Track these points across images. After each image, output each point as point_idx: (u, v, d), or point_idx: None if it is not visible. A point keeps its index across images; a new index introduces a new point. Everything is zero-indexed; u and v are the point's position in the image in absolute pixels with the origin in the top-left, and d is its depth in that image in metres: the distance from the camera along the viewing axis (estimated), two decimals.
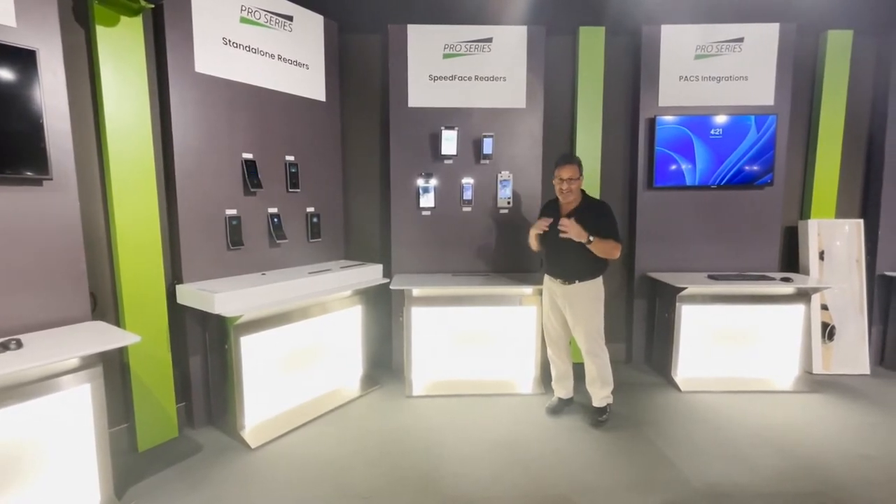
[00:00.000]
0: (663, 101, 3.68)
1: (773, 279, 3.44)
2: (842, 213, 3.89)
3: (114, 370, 2.51)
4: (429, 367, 3.42)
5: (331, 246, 3.58)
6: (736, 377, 3.48)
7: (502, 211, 3.63)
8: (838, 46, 3.69)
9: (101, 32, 2.31)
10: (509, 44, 3.52)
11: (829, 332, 3.72)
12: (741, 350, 3.49)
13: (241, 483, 2.32)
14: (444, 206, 3.62)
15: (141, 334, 2.07)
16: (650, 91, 3.68)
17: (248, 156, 2.96)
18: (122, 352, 2.52)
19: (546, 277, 2.99)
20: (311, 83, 3.34)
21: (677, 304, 3.41)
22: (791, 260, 3.95)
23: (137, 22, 2.44)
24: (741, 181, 3.67)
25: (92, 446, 2.04)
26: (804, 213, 3.93)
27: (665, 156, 3.65)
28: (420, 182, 3.57)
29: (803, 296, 3.44)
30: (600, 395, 2.90)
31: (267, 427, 2.79)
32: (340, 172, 3.66)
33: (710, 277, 3.49)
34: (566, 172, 2.74)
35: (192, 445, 2.65)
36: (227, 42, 2.81)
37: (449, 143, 3.48)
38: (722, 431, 2.80)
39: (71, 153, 2.13)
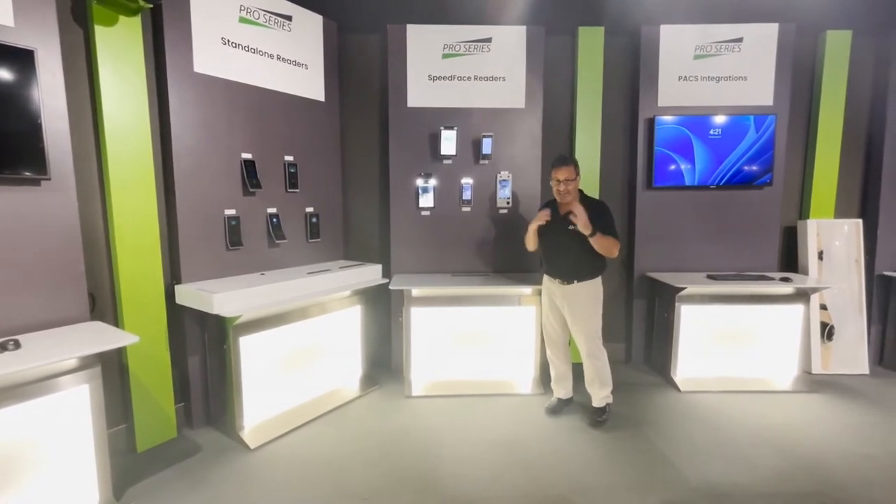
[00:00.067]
0: (662, 101, 3.68)
1: (772, 279, 3.44)
2: (841, 213, 3.89)
3: (112, 371, 2.51)
4: (428, 367, 3.42)
5: (330, 246, 3.58)
6: (735, 377, 3.48)
7: (501, 211, 3.63)
8: (837, 47, 3.69)
9: (100, 32, 2.31)
10: (508, 44, 3.52)
11: (828, 331, 3.72)
12: (740, 350, 3.49)
13: (241, 483, 2.32)
14: (444, 206, 3.62)
15: (140, 335, 2.06)
16: (649, 91, 3.68)
17: (248, 156, 2.96)
18: (120, 352, 2.51)
19: (545, 278, 2.99)
20: (310, 83, 3.34)
21: (676, 304, 3.41)
22: (790, 260, 3.96)
23: (136, 22, 2.43)
24: (740, 181, 3.67)
25: (90, 447, 2.03)
26: (803, 213, 3.93)
27: (664, 156, 3.65)
28: (419, 182, 3.57)
29: (802, 296, 3.45)
30: (599, 395, 2.90)
31: (266, 427, 2.79)
32: (340, 172, 3.66)
33: (710, 277, 3.50)
34: (563, 174, 2.74)
35: (191, 446, 2.65)
36: (225, 42, 2.81)
37: (448, 143, 3.48)
38: (721, 431, 2.80)
39: (69, 153, 2.13)
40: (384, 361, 3.79)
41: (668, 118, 3.62)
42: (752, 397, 3.24)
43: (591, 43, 3.66)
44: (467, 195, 3.60)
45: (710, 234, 3.78)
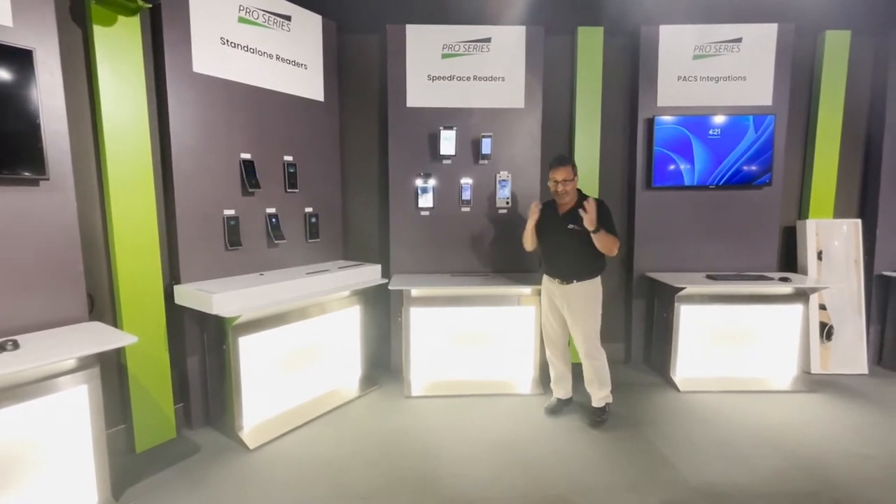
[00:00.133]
0: (662, 101, 3.68)
1: (771, 279, 3.44)
2: (840, 213, 3.90)
3: (111, 371, 2.51)
4: (427, 367, 3.41)
5: (329, 246, 3.58)
6: (734, 377, 3.48)
7: (501, 211, 3.63)
8: (836, 47, 3.70)
9: (99, 32, 2.31)
10: (508, 44, 3.52)
11: (827, 331, 3.72)
12: (740, 350, 3.49)
13: (240, 484, 2.32)
14: (443, 206, 3.62)
15: (138, 335, 2.06)
16: (649, 91, 3.68)
17: (247, 156, 2.96)
18: (119, 352, 2.51)
19: (545, 278, 2.99)
20: (309, 83, 3.34)
21: (676, 304, 3.41)
22: (789, 260, 3.96)
23: (135, 21, 2.43)
24: (739, 181, 3.67)
25: (89, 447, 2.03)
26: (802, 213, 3.93)
27: (663, 156, 3.65)
28: (419, 182, 3.57)
29: (801, 296, 3.45)
30: (599, 395, 2.91)
31: (265, 428, 2.78)
32: (339, 172, 3.66)
33: (709, 277, 3.50)
34: (560, 174, 2.75)
35: (190, 446, 2.65)
36: (225, 42, 2.81)
37: (448, 143, 3.48)
38: (720, 431, 2.80)
39: (68, 153, 2.13)
40: (383, 362, 3.79)
41: (667, 118, 3.62)
42: (751, 397, 3.24)
43: (590, 43, 3.66)
44: (467, 195, 3.60)
45: (709, 234, 3.78)
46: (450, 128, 3.47)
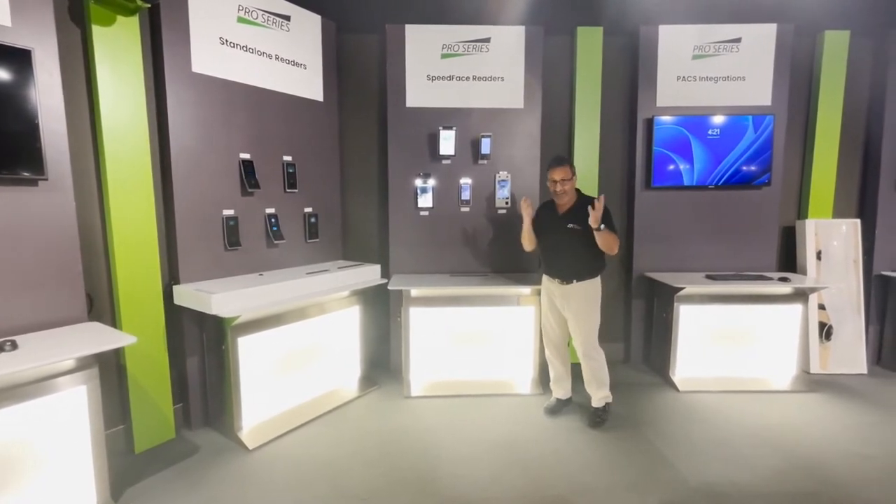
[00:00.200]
0: (661, 101, 3.68)
1: (770, 279, 3.45)
2: (839, 213, 3.90)
3: (110, 371, 2.50)
4: (427, 367, 3.41)
5: (329, 246, 3.58)
6: (734, 377, 3.48)
7: (500, 211, 3.63)
8: (835, 47, 3.70)
9: (98, 32, 2.30)
10: (507, 44, 3.52)
11: (826, 331, 3.72)
12: (739, 350, 3.49)
13: (239, 484, 2.31)
14: (443, 206, 3.62)
15: (137, 335, 2.06)
16: (648, 91, 3.68)
17: (246, 156, 2.96)
18: (118, 353, 2.51)
19: (544, 278, 2.98)
20: (308, 83, 3.34)
21: (675, 303, 3.41)
22: (789, 260, 3.96)
23: (134, 21, 2.43)
24: (739, 181, 3.67)
25: (88, 448, 2.03)
26: (801, 213, 3.94)
27: (663, 156, 3.65)
28: (418, 182, 3.57)
29: (801, 295, 3.45)
30: (598, 395, 2.91)
31: (264, 428, 2.78)
32: (338, 173, 3.66)
33: (708, 277, 3.50)
34: (558, 174, 2.75)
35: (189, 447, 2.64)
36: (224, 42, 2.80)
37: (447, 143, 3.47)
38: (720, 431, 2.80)
39: (67, 153, 2.13)
40: (383, 362, 3.79)
41: (666, 118, 3.62)
42: (750, 397, 3.25)
43: (589, 43, 3.66)
44: (466, 195, 3.59)
45: (708, 234, 3.78)
46: (449, 128, 3.47)
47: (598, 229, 2.61)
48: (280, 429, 2.79)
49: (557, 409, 3.04)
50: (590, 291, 2.83)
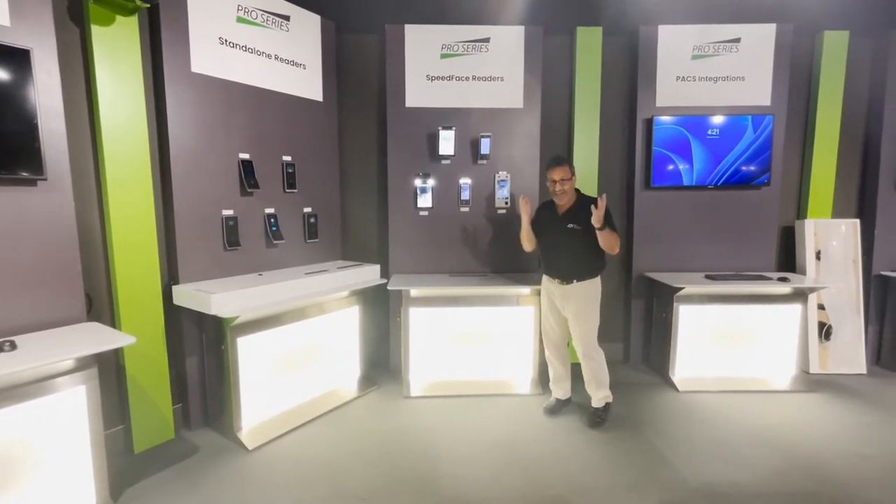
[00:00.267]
0: (660, 101, 3.68)
1: (770, 279, 3.45)
2: (838, 213, 3.90)
3: (109, 372, 2.50)
4: (426, 367, 3.41)
5: (328, 246, 3.57)
6: (733, 377, 3.48)
7: (500, 211, 3.63)
8: (834, 47, 3.70)
9: (97, 32, 2.30)
10: (507, 44, 3.52)
11: (825, 331, 3.73)
12: (738, 350, 3.49)
13: (238, 484, 2.31)
14: (442, 206, 3.62)
15: (137, 335, 2.06)
16: (647, 91, 3.68)
17: (245, 156, 2.95)
18: (117, 353, 2.50)
19: (544, 278, 2.98)
20: (308, 83, 3.33)
21: (675, 303, 3.41)
22: (788, 260, 3.97)
23: (133, 21, 2.43)
24: (738, 181, 3.67)
25: (87, 448, 2.03)
26: (801, 213, 3.94)
27: (662, 156, 3.65)
28: (417, 182, 3.57)
29: (800, 295, 3.45)
30: (598, 395, 2.90)
31: (264, 428, 2.78)
32: (338, 173, 3.66)
33: (708, 277, 3.50)
34: (557, 174, 2.75)
35: (188, 447, 2.64)
36: (223, 42, 2.80)
37: (446, 143, 3.47)
38: (719, 431, 2.80)
39: (66, 153, 2.12)
40: (382, 362, 3.79)
41: (666, 118, 3.62)
42: (750, 397, 3.25)
43: (589, 43, 3.66)
44: (465, 195, 3.59)
45: (708, 234, 3.78)
46: (449, 128, 3.46)
47: (601, 229, 2.61)
48: (279, 429, 2.79)
49: (557, 409, 3.04)
50: (590, 291, 2.83)
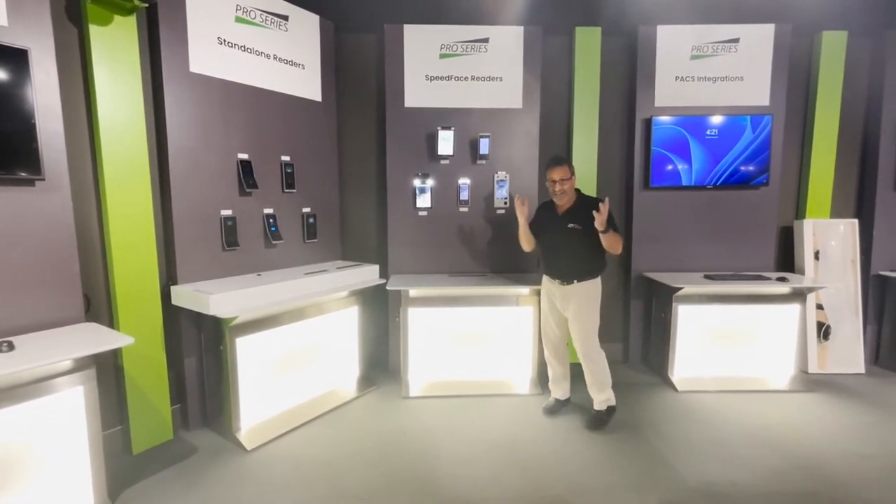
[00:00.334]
0: (659, 101, 3.68)
1: (768, 279, 3.45)
2: (837, 213, 3.91)
3: (108, 372, 2.49)
4: (425, 367, 3.41)
5: (327, 246, 3.57)
6: (732, 377, 3.48)
7: (499, 211, 3.63)
8: (833, 47, 3.71)
9: (95, 31, 2.30)
10: (506, 44, 3.51)
11: (824, 331, 3.73)
12: (737, 350, 3.49)
13: (237, 485, 2.31)
14: (441, 206, 3.61)
15: (135, 336, 2.06)
16: (646, 91, 3.68)
17: (244, 156, 2.95)
18: (116, 353, 2.50)
19: (544, 278, 2.98)
20: (306, 83, 3.33)
21: (674, 303, 3.41)
22: (787, 260, 3.97)
23: (131, 21, 2.42)
24: (737, 181, 3.68)
25: (85, 449, 2.02)
26: (800, 213, 3.94)
27: (661, 156, 3.66)
28: (417, 182, 3.56)
29: (799, 295, 3.45)
30: (599, 398, 2.88)
31: (263, 429, 2.77)
32: (337, 173, 3.65)
33: (707, 277, 3.50)
34: (557, 174, 2.74)
35: (187, 447, 2.63)
36: (222, 42, 2.80)
37: (445, 143, 3.47)
38: (718, 431, 2.81)
39: (64, 153, 2.12)
40: (381, 362, 3.78)
41: (665, 118, 3.62)
42: (749, 397, 3.25)
43: (588, 43, 3.66)
44: (465, 195, 3.59)
45: (707, 235, 3.79)
46: (448, 128, 3.46)
47: (605, 231, 2.61)
48: (278, 429, 2.79)
49: (556, 409, 3.04)
50: (590, 292, 2.82)
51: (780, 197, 3.78)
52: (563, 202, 2.82)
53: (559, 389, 3.07)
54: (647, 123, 3.67)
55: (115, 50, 2.37)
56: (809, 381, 3.50)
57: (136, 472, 2.39)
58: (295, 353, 3.02)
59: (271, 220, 3.10)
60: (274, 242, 3.12)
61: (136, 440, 2.57)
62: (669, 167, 3.67)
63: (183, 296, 2.58)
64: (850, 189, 3.96)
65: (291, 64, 3.21)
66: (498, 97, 3.56)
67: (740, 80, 3.66)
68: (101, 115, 2.34)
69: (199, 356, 2.82)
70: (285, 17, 3.14)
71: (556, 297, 2.90)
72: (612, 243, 2.67)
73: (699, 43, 3.63)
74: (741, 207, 3.75)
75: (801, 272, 3.79)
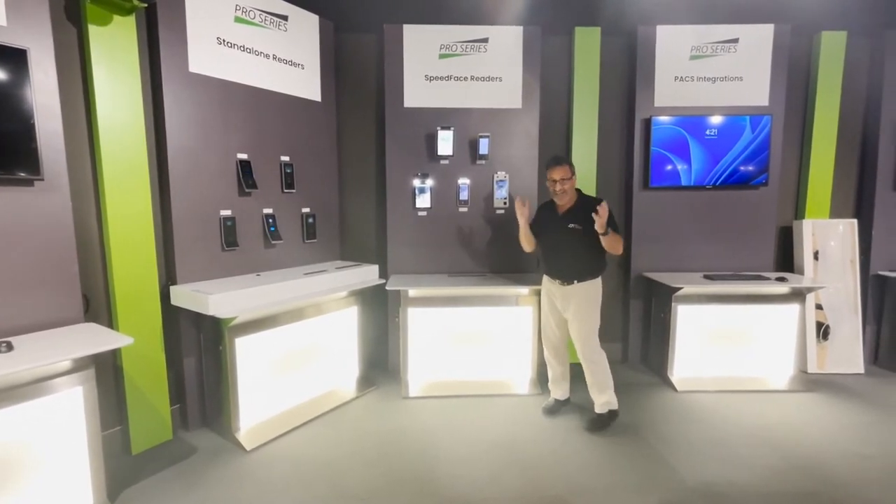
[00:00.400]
0: (659, 101, 3.68)
1: (768, 279, 3.45)
2: (836, 213, 3.91)
3: (107, 372, 2.49)
4: (425, 367, 3.41)
5: (326, 246, 3.57)
6: (731, 377, 3.49)
7: (498, 211, 3.63)
8: (832, 47, 3.71)
9: (94, 31, 2.30)
10: (505, 44, 3.52)
11: (823, 331, 3.73)
12: (737, 350, 3.50)
13: (237, 485, 2.30)
14: (441, 206, 3.61)
15: (134, 336, 2.06)
16: (646, 91, 3.68)
17: (243, 156, 2.95)
18: (115, 354, 2.50)
19: (545, 279, 2.98)
20: (306, 83, 3.33)
21: (673, 304, 3.41)
22: (786, 260, 3.97)
23: (130, 21, 2.42)
24: (736, 181, 3.68)
25: (84, 449, 2.02)
26: (799, 213, 3.95)
27: (661, 156, 3.66)
28: (416, 182, 3.56)
29: (798, 295, 3.46)
30: (600, 400, 2.85)
31: (262, 429, 2.77)
32: (336, 173, 3.65)
33: (706, 277, 3.50)
34: (558, 173, 2.74)
35: (186, 448, 2.63)
36: (221, 42, 2.79)
37: (445, 143, 3.47)
38: (718, 431, 2.81)
39: (63, 153, 2.11)
40: (381, 362, 3.78)
41: (664, 118, 3.62)
42: (748, 397, 3.25)
43: (587, 43, 3.66)
44: (464, 195, 3.59)
45: (706, 235, 3.79)
46: (447, 128, 3.46)
47: (605, 234, 2.61)
48: (278, 429, 2.78)
49: (556, 409, 3.04)
50: (591, 292, 2.81)
51: (779, 197, 3.79)
52: (564, 202, 2.81)
53: (559, 390, 3.07)
54: (647, 123, 3.67)
55: (114, 50, 2.37)
56: (809, 381, 3.50)
57: (136, 472, 2.39)
58: (294, 353, 3.02)
59: (271, 221, 3.10)
60: (273, 242, 3.11)
61: (136, 440, 2.57)
62: (669, 167, 3.67)
63: (182, 296, 2.58)
64: (850, 189, 3.96)
65: (291, 64, 3.20)
66: (497, 97, 3.56)
67: (739, 80, 3.66)
68: (100, 115, 2.34)
69: (199, 356, 2.82)
70: (285, 17, 3.14)
71: (557, 297, 2.90)
72: (612, 245, 2.67)
73: (698, 43, 3.63)
74: (740, 207, 3.76)
75: (801, 272, 3.79)
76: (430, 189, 3.58)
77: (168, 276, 2.71)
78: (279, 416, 2.90)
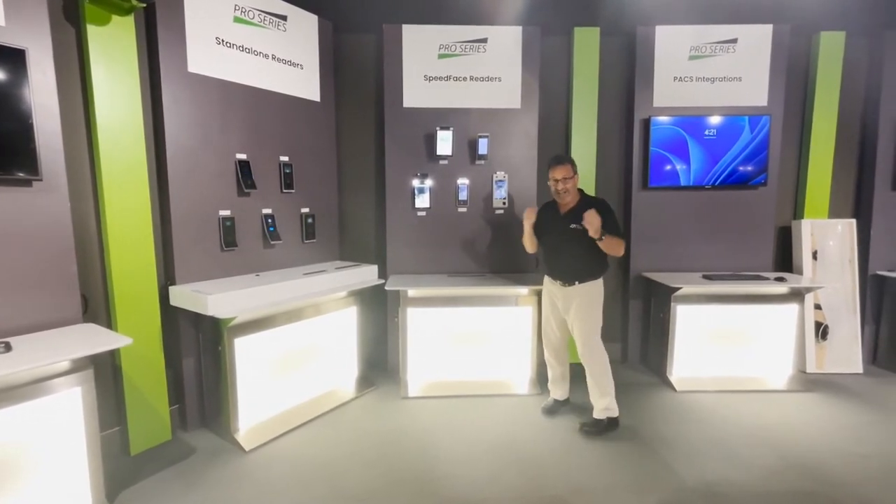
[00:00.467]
0: (658, 101, 3.69)
1: (767, 279, 3.46)
2: (835, 213, 3.92)
3: (105, 373, 2.49)
4: (424, 368, 3.41)
5: (326, 247, 3.57)
6: (731, 377, 3.49)
7: (498, 211, 3.63)
8: (831, 47, 3.71)
9: (93, 31, 2.29)
10: (504, 44, 3.52)
11: (822, 331, 3.74)
12: (736, 349, 3.50)
13: (236, 486, 2.30)
14: (440, 206, 3.61)
15: (133, 336, 2.05)
16: (645, 91, 3.69)
17: (242, 156, 2.95)
18: (113, 354, 2.49)
19: (546, 279, 2.97)
20: (305, 83, 3.33)
21: (672, 304, 3.42)
22: (785, 260, 3.98)
23: (129, 21, 2.42)
24: (735, 181, 3.68)
25: (83, 450, 2.02)
26: (797, 213, 3.95)
27: (660, 156, 3.66)
28: (415, 182, 3.56)
29: (797, 295, 3.46)
30: (600, 404, 2.81)
31: (261, 429, 2.77)
32: (335, 173, 3.65)
33: (705, 277, 3.51)
34: (559, 173, 2.73)
35: (185, 448, 2.63)
36: (220, 42, 2.79)
37: (444, 143, 3.47)
38: (717, 431, 2.81)
39: (61, 153, 2.11)
40: (380, 362, 3.78)
41: (663, 119, 3.63)
42: (747, 397, 3.25)
43: (586, 43, 3.66)
44: (463, 195, 3.59)
45: (705, 235, 3.79)
46: (446, 128, 3.46)
47: (600, 239, 2.59)
48: (277, 430, 2.78)
49: (555, 409, 3.04)
50: (592, 293, 2.79)
51: (778, 197, 3.79)
52: (566, 202, 2.79)
53: (558, 390, 3.07)
54: (646, 124, 3.67)
55: (113, 50, 2.36)
56: (807, 381, 3.51)
57: (135, 472, 2.39)
58: (294, 353, 3.01)
59: (270, 221, 3.10)
60: (272, 243, 3.11)
61: (135, 441, 2.56)
62: (668, 167, 3.67)
63: (181, 296, 2.58)
64: (848, 189, 3.97)
65: (290, 64, 3.20)
66: (496, 97, 3.56)
67: (738, 80, 3.66)
68: (98, 116, 2.34)
69: (198, 357, 2.81)
70: (284, 17, 3.14)
71: (558, 298, 2.89)
72: (611, 248, 2.65)
73: (697, 43, 3.63)
74: (739, 207, 3.76)
75: (800, 272, 3.80)
76: (430, 189, 3.58)
77: (167, 277, 2.70)
78: (278, 417, 2.90)
